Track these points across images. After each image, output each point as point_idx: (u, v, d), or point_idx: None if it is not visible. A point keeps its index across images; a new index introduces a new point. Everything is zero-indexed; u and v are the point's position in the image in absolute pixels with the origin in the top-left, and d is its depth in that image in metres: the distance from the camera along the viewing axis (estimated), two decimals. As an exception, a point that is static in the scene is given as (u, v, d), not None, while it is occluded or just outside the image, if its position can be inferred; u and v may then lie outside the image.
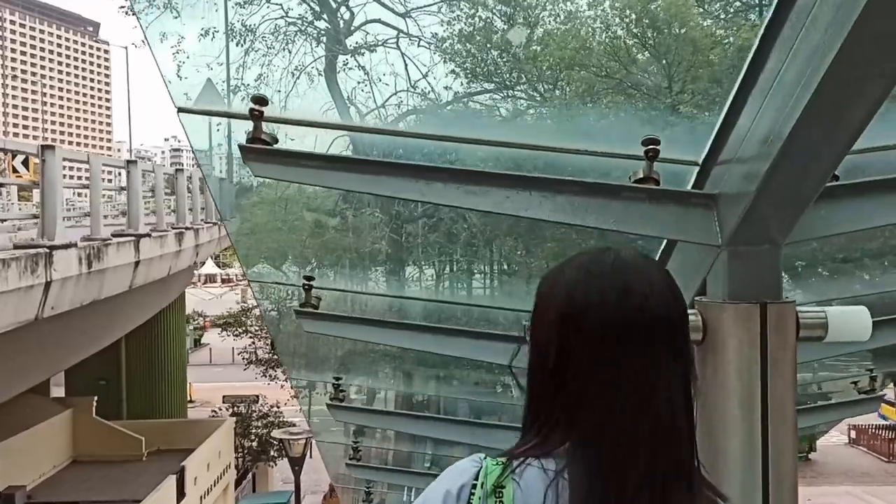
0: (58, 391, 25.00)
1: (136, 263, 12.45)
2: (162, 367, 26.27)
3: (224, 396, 31.82)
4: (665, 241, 3.15)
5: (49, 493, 18.64)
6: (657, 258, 3.08)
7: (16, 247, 9.01)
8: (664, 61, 9.22)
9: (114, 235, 11.99)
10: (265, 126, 3.15)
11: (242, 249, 10.56)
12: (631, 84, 9.08)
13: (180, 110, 3.46)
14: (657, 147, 2.66)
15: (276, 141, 3.13)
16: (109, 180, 34.50)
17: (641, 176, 2.67)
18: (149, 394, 25.88)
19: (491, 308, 6.87)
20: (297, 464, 16.66)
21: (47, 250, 9.19)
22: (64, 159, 9.92)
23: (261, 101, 3.09)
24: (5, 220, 11.10)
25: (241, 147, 3.09)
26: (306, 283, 4.72)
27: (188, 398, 39.79)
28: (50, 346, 12.13)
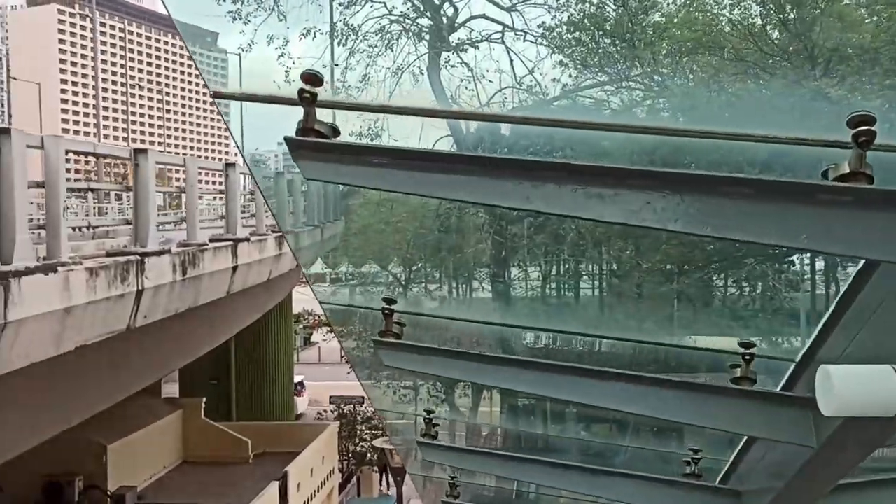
0: (170, 388, 25.54)
1: (234, 269, 12.17)
2: (269, 368, 26.49)
3: (331, 397, 31.87)
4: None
5: (158, 494, 18.87)
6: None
7: (108, 254, 8.76)
8: (804, 41, 8.05)
9: (211, 240, 11.73)
10: (323, 115, 2.44)
11: (335, 253, 10.10)
12: (764, 67, 8.00)
13: (215, 95, 2.80)
14: (872, 130, 1.78)
15: (336, 133, 2.44)
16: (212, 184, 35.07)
17: (847, 171, 1.79)
18: (257, 394, 26.14)
19: (609, 339, 5.94)
20: (398, 474, 16.13)
21: (139, 257, 8.91)
22: (158, 163, 9.64)
23: (313, 79, 2.36)
24: (98, 227, 11.05)
25: (288, 140, 2.40)
26: (386, 307, 3.95)
27: (297, 396, 40.36)
28: (149, 352, 11.99)
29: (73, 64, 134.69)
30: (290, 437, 21.59)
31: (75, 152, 8.20)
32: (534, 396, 6.94)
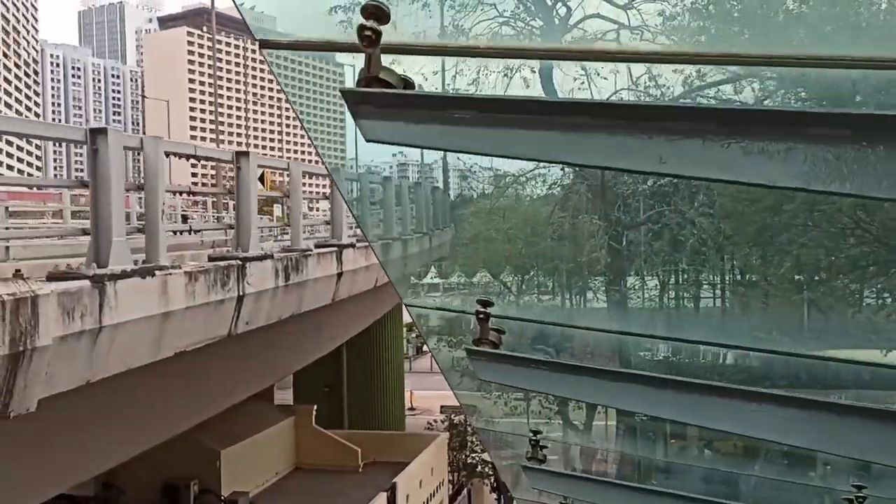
0: (285, 395, 25.88)
1: (339, 275, 11.92)
2: (380, 375, 26.45)
3: (442, 406, 31.54)
4: None
5: (271, 500, 18.99)
6: None
7: (210, 259, 8.61)
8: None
9: (316, 246, 11.52)
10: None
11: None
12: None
13: (262, 44, 2.32)
14: None
15: (408, 86, 1.95)
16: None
17: None
18: (368, 402, 26.15)
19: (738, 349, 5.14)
20: (507, 490, 15.48)
21: (240, 262, 8.72)
22: (261, 166, 9.46)
23: (378, 13, 1.86)
24: (199, 231, 11.04)
25: (345, 93, 1.91)
26: (481, 311, 3.33)
27: (409, 405, 40.44)
28: (254, 359, 11.89)
29: (202, 83, 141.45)
30: (400, 446, 21.37)
31: (175, 154, 8.10)
32: (651, 416, 6.14)
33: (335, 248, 11.83)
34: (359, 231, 13.95)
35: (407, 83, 1.99)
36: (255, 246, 9.25)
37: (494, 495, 25.95)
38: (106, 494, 17.83)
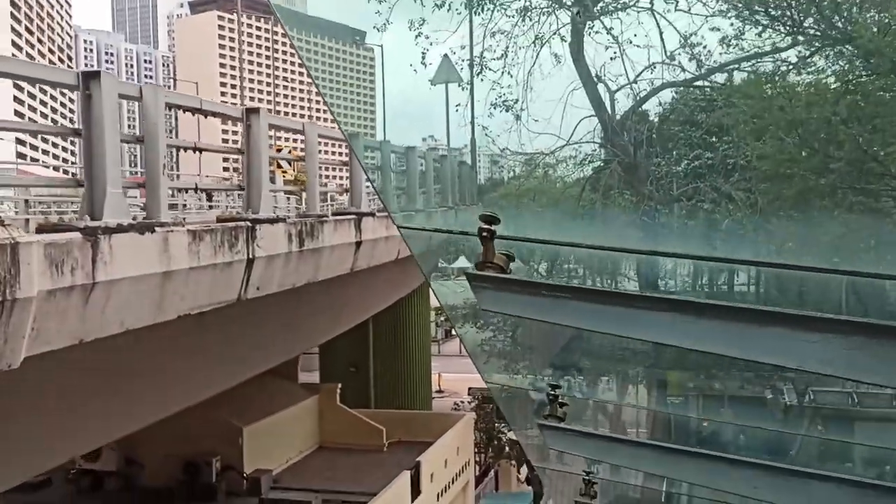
0: (311, 377, 25.60)
1: (358, 244, 11.47)
2: (407, 356, 26.09)
3: (469, 388, 31.15)
4: None
5: (294, 478, 18.72)
6: None
7: (218, 220, 8.19)
8: None
9: (334, 214, 11.08)
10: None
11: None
12: None
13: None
14: None
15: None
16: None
17: None
18: (395, 383, 25.82)
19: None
20: (534, 468, 15.01)
21: (249, 224, 8.29)
22: (272, 126, 9.02)
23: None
24: (206, 190, 10.63)
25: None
26: (485, 227, 2.82)
27: (437, 388, 40.17)
28: (269, 328, 11.51)
29: (232, 67, 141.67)
30: (426, 425, 20.98)
31: (178, 106, 7.68)
32: (681, 347, 5.54)
33: (354, 216, 11.37)
34: (378, 201, 13.50)
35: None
36: (267, 208, 8.82)
37: (523, 480, 25.50)
38: (128, 470, 17.68)
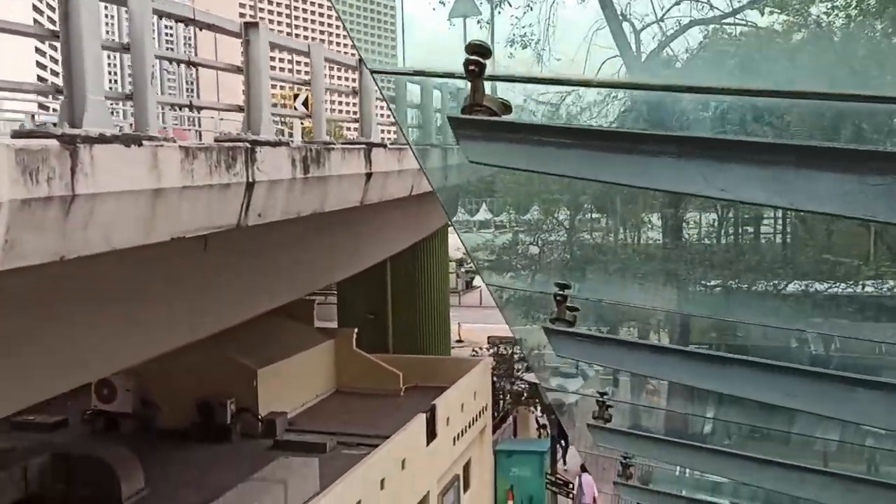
0: (326, 326, 25.45)
1: (368, 176, 11.01)
2: (426, 304, 25.78)
3: (489, 337, 30.89)
4: None
5: (310, 421, 18.60)
6: None
7: (216, 140, 7.75)
8: None
9: (344, 143, 10.61)
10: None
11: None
12: None
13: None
14: None
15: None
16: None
17: None
18: (413, 330, 25.58)
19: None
20: (552, 411, 14.69)
21: (248, 145, 7.85)
22: (273, 44, 8.50)
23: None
24: (202, 108, 10.14)
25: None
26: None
27: (457, 338, 40.04)
28: (274, 260, 11.15)
29: (251, 7, 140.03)
30: (443, 371, 20.71)
31: (168, 14, 7.18)
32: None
33: (363, 146, 10.89)
34: (389, 135, 13.00)
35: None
36: (269, 130, 8.37)
37: (542, 422, 25.27)
38: (143, 411, 17.62)
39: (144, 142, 6.31)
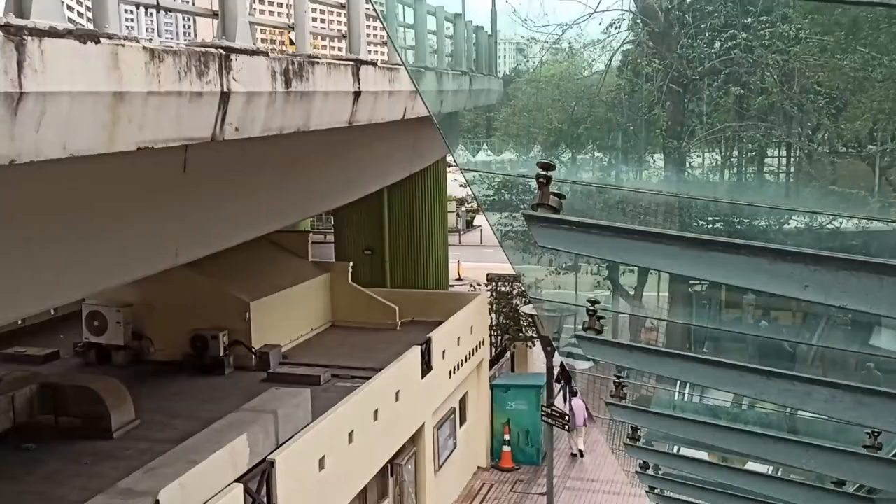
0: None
1: (357, 94, 10.48)
2: (423, 240, 25.37)
3: (488, 275, 30.62)
4: None
5: (304, 354, 18.42)
6: None
7: (186, 45, 7.22)
8: None
9: (330, 59, 10.05)
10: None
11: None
12: None
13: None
14: None
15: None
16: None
17: None
18: (411, 267, 25.24)
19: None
20: (549, 343, 14.44)
21: (223, 52, 7.33)
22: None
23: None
24: (170, 11, 9.56)
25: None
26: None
27: (457, 276, 39.82)
28: (258, 184, 10.72)
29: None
30: (440, 305, 20.46)
31: None
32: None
33: (351, 62, 10.34)
34: (378, 55, 12.42)
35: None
36: (245, 38, 7.84)
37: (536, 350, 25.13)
38: (135, 343, 17.41)
39: (103, 39, 5.81)
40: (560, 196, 3.10)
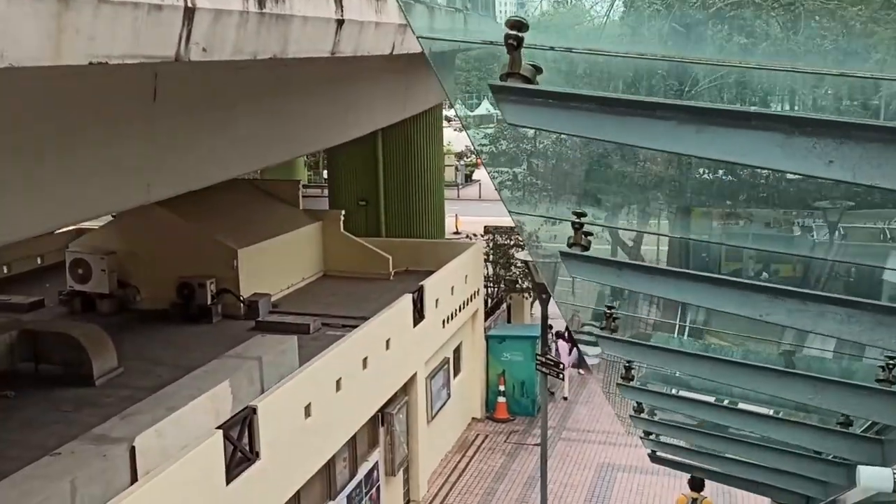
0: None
1: (340, 22, 9.88)
2: (419, 190, 24.87)
3: (485, 227, 30.18)
4: None
5: (294, 303, 18.03)
6: None
7: (147, -42, 6.63)
8: None
9: (310, -16, 9.42)
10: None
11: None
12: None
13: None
14: None
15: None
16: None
17: None
18: (406, 217, 24.79)
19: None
20: (545, 290, 14.01)
21: (186, -38, 6.75)
22: None
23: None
24: None
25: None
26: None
27: (455, 229, 39.42)
28: (229, 111, 10.17)
29: None
30: (435, 254, 20.02)
31: None
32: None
33: (333, -12, 9.72)
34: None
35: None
36: (212, -49, 7.24)
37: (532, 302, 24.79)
38: (121, 292, 17.00)
39: (42, -65, 5.25)
40: (536, 68, 2.60)
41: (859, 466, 3.96)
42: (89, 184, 8.23)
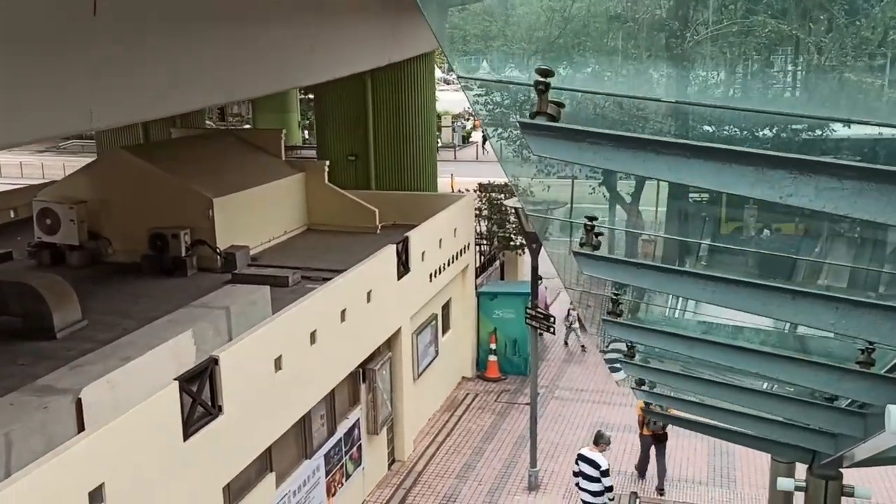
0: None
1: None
2: (410, 145, 23.94)
3: (479, 184, 29.30)
4: None
5: (275, 256, 17.26)
6: None
7: None
8: None
9: None
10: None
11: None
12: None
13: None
14: None
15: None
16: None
17: None
18: (397, 171, 23.91)
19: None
20: (535, 240, 13.20)
21: None
22: None
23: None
24: None
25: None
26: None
27: (451, 190, 38.59)
28: (186, 46, 9.26)
29: None
30: (424, 207, 19.15)
31: None
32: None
33: None
34: None
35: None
36: None
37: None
38: (92, 244, 16.20)
39: None
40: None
41: (890, 406, 3.25)
42: (21, 107, 7.38)
